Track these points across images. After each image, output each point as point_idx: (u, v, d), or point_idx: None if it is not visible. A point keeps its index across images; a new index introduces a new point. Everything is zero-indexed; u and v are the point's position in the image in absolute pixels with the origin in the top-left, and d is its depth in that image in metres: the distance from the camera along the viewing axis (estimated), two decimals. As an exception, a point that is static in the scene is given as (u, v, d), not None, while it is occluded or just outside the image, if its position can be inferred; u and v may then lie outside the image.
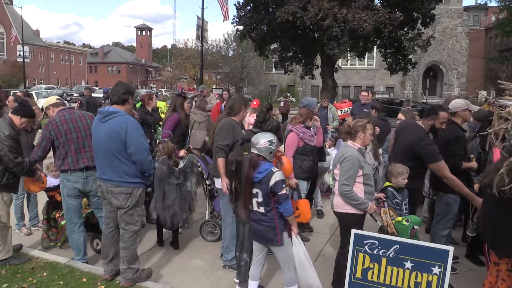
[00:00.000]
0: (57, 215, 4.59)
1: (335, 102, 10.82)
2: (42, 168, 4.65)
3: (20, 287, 3.68)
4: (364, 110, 7.53)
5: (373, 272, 2.78)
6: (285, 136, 4.99)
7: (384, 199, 3.78)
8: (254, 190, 3.24)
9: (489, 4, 46.64)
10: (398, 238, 2.90)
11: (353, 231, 2.87)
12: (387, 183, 3.93)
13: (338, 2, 16.03)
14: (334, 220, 4.91)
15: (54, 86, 44.39)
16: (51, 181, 4.65)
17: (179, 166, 4.51)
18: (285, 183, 3.27)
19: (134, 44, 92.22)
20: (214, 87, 31.20)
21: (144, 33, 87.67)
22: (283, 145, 4.95)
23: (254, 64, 39.49)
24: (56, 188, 4.57)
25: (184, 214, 4.48)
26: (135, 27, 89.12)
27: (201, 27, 19.45)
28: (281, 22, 16.90)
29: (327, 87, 19.19)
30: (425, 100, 24.51)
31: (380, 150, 5.85)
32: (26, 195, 5.15)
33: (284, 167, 4.00)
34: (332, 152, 6.91)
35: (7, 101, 6.92)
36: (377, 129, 5.63)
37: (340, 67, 22.98)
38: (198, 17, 19.69)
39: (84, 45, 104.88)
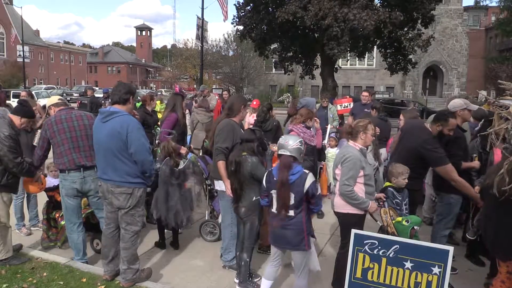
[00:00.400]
0: (57, 215, 4.59)
1: (335, 99, 10.76)
2: (44, 169, 4.65)
3: (20, 287, 3.68)
4: (365, 110, 7.53)
5: (373, 272, 2.78)
6: None
7: (385, 199, 3.78)
8: (277, 194, 3.18)
9: (489, 4, 46.69)
10: (398, 238, 2.90)
11: (353, 231, 2.87)
12: (387, 183, 3.93)
13: (339, 1, 16.02)
14: (334, 220, 4.92)
15: (54, 86, 44.41)
16: (51, 181, 4.65)
17: (180, 167, 4.51)
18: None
19: (134, 44, 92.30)
20: (214, 87, 31.18)
21: (144, 33, 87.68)
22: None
23: (254, 64, 39.49)
24: (56, 188, 4.57)
25: (186, 213, 4.47)
26: (135, 27, 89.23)
27: (201, 27, 19.46)
28: (281, 22, 16.88)
29: (327, 87, 19.16)
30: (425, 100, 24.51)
31: (382, 151, 5.85)
32: (26, 195, 5.15)
33: None
34: (336, 152, 6.92)
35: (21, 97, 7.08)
36: (377, 129, 5.63)
37: (340, 67, 22.96)
38: (198, 17, 19.70)
39: (84, 45, 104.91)
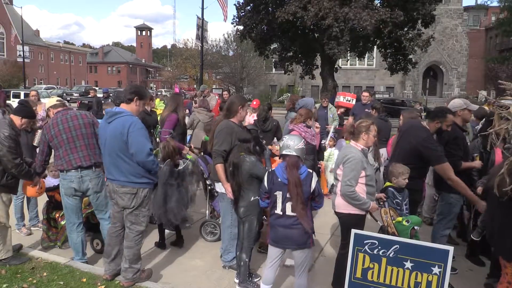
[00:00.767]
0: (57, 215, 4.59)
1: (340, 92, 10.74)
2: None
3: (20, 287, 3.68)
4: (365, 110, 7.53)
5: (373, 272, 2.78)
6: None
7: (385, 199, 3.78)
8: (289, 194, 3.15)
9: (489, 4, 46.70)
10: (398, 238, 2.90)
11: (353, 231, 2.86)
12: (388, 183, 3.93)
13: (339, 1, 16.03)
14: (334, 220, 4.93)
15: (54, 86, 44.45)
16: (51, 181, 4.65)
17: (179, 167, 4.51)
18: None
19: (134, 44, 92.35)
20: (214, 87, 31.19)
21: (144, 33, 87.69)
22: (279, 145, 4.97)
23: (254, 64, 39.50)
24: (56, 188, 4.57)
25: (182, 212, 4.47)
26: (135, 27, 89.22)
27: (201, 27, 19.46)
28: (281, 22, 16.90)
29: (327, 87, 19.19)
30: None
31: (382, 151, 5.85)
32: (25, 195, 5.14)
33: None
34: (334, 151, 6.92)
35: (31, 96, 7.22)
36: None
37: (340, 67, 22.98)
38: (198, 17, 19.70)
39: (84, 45, 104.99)
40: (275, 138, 6.30)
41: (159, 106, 8.99)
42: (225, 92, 10.07)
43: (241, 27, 20.45)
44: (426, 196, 5.60)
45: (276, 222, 3.27)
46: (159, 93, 39.24)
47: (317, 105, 7.53)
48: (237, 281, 3.88)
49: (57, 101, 4.35)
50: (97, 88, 36.37)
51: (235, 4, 20.24)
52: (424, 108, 19.30)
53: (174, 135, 5.17)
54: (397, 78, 36.41)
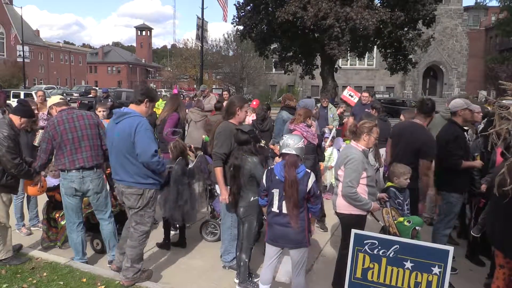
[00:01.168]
0: (57, 215, 4.59)
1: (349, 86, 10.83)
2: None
3: (20, 287, 3.68)
4: (365, 110, 7.54)
5: (373, 272, 2.78)
6: None
7: (387, 199, 3.77)
8: (284, 192, 3.17)
9: (489, 4, 46.70)
10: (398, 238, 2.90)
11: (353, 231, 2.86)
12: (389, 183, 3.93)
13: (340, 1, 16.04)
14: (334, 220, 4.93)
15: (54, 86, 44.42)
16: (51, 181, 4.65)
17: (189, 166, 4.52)
18: None
19: (134, 44, 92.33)
20: (214, 87, 31.20)
21: (144, 33, 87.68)
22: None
23: (254, 64, 39.51)
24: (56, 188, 4.57)
25: (194, 211, 4.50)
26: (135, 27, 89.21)
27: (201, 27, 19.44)
28: (281, 22, 16.90)
29: (327, 87, 19.19)
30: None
31: (382, 151, 5.85)
32: (25, 195, 5.14)
33: None
34: (334, 151, 6.91)
35: (38, 96, 7.39)
36: None
37: (340, 67, 22.99)
38: (198, 17, 19.68)
39: (84, 45, 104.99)
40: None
41: (160, 106, 9.00)
42: (225, 92, 10.07)
43: (241, 27, 20.45)
44: (426, 196, 5.59)
45: (273, 220, 3.28)
46: (159, 93, 39.26)
47: (318, 105, 7.53)
48: (237, 281, 3.89)
49: (60, 99, 4.34)
50: (97, 88, 36.46)
51: (235, 4, 20.25)
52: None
53: (181, 133, 5.16)
54: (397, 78, 36.40)
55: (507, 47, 43.20)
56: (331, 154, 6.88)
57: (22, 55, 38.61)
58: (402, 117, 5.51)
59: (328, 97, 8.96)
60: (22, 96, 20.84)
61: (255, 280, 3.85)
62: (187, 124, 7.04)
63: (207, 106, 8.48)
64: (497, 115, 3.23)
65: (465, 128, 4.81)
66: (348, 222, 3.51)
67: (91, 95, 16.19)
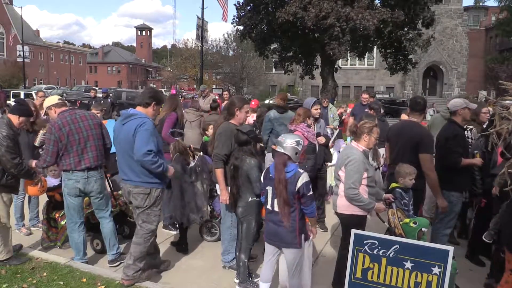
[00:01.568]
0: (57, 215, 4.59)
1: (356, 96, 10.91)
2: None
3: (20, 287, 3.68)
4: (365, 110, 7.55)
5: (373, 272, 2.78)
6: None
7: (392, 200, 3.77)
8: (275, 190, 3.20)
9: (488, 4, 46.68)
10: (398, 238, 2.90)
11: (353, 231, 2.86)
12: (394, 184, 3.89)
13: (341, 2, 16.04)
14: (334, 220, 4.92)
15: (54, 86, 44.38)
16: (51, 181, 4.64)
17: (190, 165, 4.51)
18: (311, 185, 3.24)
19: (134, 44, 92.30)
20: (214, 87, 31.18)
21: (144, 33, 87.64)
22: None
23: (254, 64, 39.51)
24: (56, 188, 4.57)
25: (199, 212, 4.49)
26: (135, 27, 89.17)
27: (201, 27, 19.44)
28: (281, 23, 16.89)
29: (327, 87, 19.17)
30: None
31: (380, 151, 5.84)
32: (26, 195, 5.13)
33: None
34: (333, 152, 6.90)
35: (38, 97, 7.49)
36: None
37: (340, 67, 22.97)
38: (198, 17, 19.68)
39: (84, 45, 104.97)
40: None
41: None
42: (226, 92, 10.07)
43: (241, 27, 20.44)
44: (426, 196, 5.60)
45: (268, 217, 3.34)
46: (159, 93, 39.11)
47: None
48: (237, 281, 3.89)
49: (58, 99, 4.33)
50: (97, 88, 36.47)
51: (235, 4, 20.23)
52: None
53: (183, 135, 5.16)
54: (397, 78, 36.40)
55: (507, 47, 43.19)
56: (332, 155, 6.87)
57: (22, 55, 38.58)
58: (402, 117, 5.51)
59: (328, 97, 8.97)
60: (22, 96, 20.82)
61: (255, 280, 3.86)
62: (183, 124, 7.04)
63: (206, 106, 8.49)
64: (497, 115, 3.24)
65: (470, 127, 4.83)
66: (348, 222, 3.51)
67: (90, 95, 16.21)
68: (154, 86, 66.36)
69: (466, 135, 4.69)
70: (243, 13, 19.77)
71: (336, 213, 3.69)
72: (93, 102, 12.30)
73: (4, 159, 3.80)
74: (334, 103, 13.30)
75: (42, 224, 4.84)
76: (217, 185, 4.16)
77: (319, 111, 5.44)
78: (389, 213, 3.59)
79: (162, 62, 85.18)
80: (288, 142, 3.22)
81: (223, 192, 3.90)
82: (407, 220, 3.49)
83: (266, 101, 26.95)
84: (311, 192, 3.17)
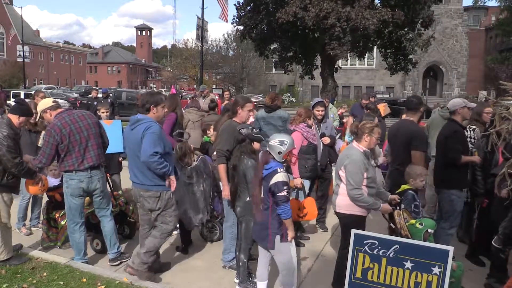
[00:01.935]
0: (57, 215, 4.59)
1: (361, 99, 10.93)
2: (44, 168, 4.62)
3: (20, 287, 3.68)
4: (365, 111, 7.57)
5: (373, 272, 2.78)
6: None
7: (399, 201, 3.76)
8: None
9: (487, 4, 46.68)
10: (398, 238, 2.90)
11: (353, 231, 2.87)
12: (405, 186, 3.86)
13: (341, 1, 16.04)
14: (334, 220, 4.92)
15: (54, 86, 44.40)
16: (51, 181, 4.64)
17: (192, 166, 4.50)
18: (287, 185, 3.19)
19: (134, 44, 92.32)
20: (214, 87, 31.19)
21: (144, 33, 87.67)
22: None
23: (254, 64, 39.53)
24: (56, 188, 4.57)
25: (199, 215, 4.46)
26: (135, 27, 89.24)
27: (201, 27, 19.43)
28: (282, 23, 16.88)
29: (327, 87, 19.16)
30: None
31: (380, 151, 5.84)
32: (32, 197, 5.09)
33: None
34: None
35: (39, 98, 7.21)
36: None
37: (340, 67, 22.95)
38: (198, 17, 19.67)
39: (84, 45, 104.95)
40: None
41: None
42: (226, 92, 10.05)
43: (241, 27, 20.44)
44: (426, 196, 5.60)
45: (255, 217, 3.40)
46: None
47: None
48: (237, 281, 3.89)
49: (53, 102, 4.30)
50: (97, 88, 36.45)
51: (235, 4, 20.21)
52: (426, 108, 19.29)
53: (189, 136, 5.13)
54: (397, 78, 36.41)
55: (507, 47, 43.19)
56: (337, 156, 6.85)
57: (22, 55, 38.57)
58: (403, 117, 5.51)
59: (329, 97, 8.96)
60: (22, 96, 20.81)
61: (255, 280, 3.86)
62: (185, 125, 7.02)
63: (206, 106, 8.48)
64: (497, 115, 3.24)
65: (473, 127, 4.83)
66: (348, 222, 3.51)
67: (90, 95, 16.19)
68: (154, 86, 66.52)
69: (469, 135, 4.71)
70: (243, 13, 19.76)
71: (336, 213, 3.69)
72: (95, 102, 12.31)
73: (5, 159, 3.80)
74: (334, 103, 13.28)
75: (42, 224, 4.84)
76: (220, 184, 4.17)
77: (321, 112, 5.29)
78: (395, 214, 3.54)
79: (162, 62, 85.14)
80: (272, 141, 3.29)
81: (225, 188, 3.94)
82: (413, 221, 3.44)
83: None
84: (283, 193, 3.12)
